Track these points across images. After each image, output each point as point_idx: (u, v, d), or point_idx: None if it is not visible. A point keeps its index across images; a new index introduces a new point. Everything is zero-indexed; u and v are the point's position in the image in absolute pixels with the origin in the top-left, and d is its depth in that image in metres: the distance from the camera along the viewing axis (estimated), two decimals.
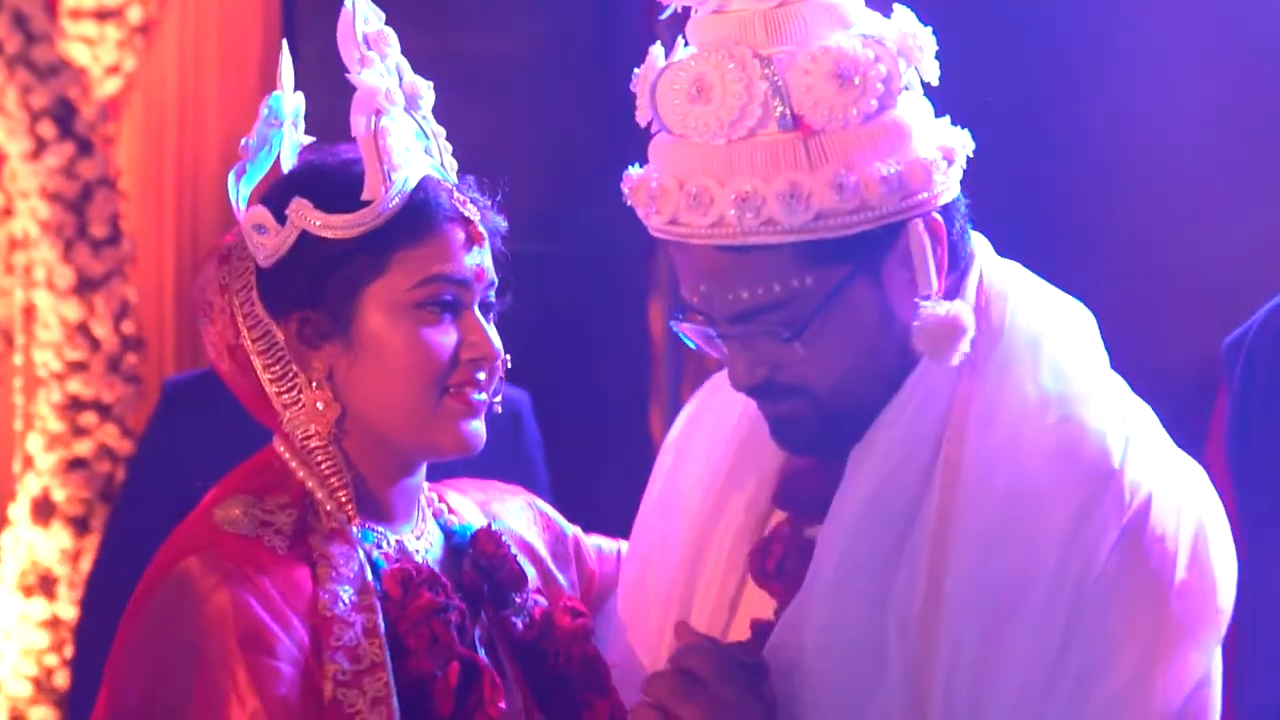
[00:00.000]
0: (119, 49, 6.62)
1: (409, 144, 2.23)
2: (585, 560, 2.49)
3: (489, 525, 2.35)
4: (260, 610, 2.10)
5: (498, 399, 2.29)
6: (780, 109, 2.13)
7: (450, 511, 2.38)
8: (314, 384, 2.22)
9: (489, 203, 2.29)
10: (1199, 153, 4.44)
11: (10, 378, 6.73)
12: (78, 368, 6.36)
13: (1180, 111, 4.46)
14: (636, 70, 2.23)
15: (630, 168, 2.27)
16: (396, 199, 2.19)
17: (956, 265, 2.22)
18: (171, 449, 3.94)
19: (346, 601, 2.15)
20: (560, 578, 2.42)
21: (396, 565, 2.23)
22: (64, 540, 6.30)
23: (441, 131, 2.30)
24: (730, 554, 2.34)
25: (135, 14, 6.64)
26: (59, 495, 6.33)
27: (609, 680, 2.33)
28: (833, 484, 2.22)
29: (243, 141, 2.27)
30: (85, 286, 6.35)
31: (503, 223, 2.29)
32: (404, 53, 2.29)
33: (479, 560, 2.31)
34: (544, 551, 2.43)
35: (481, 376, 2.25)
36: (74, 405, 6.35)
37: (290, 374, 2.22)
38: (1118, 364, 2.27)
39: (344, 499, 2.22)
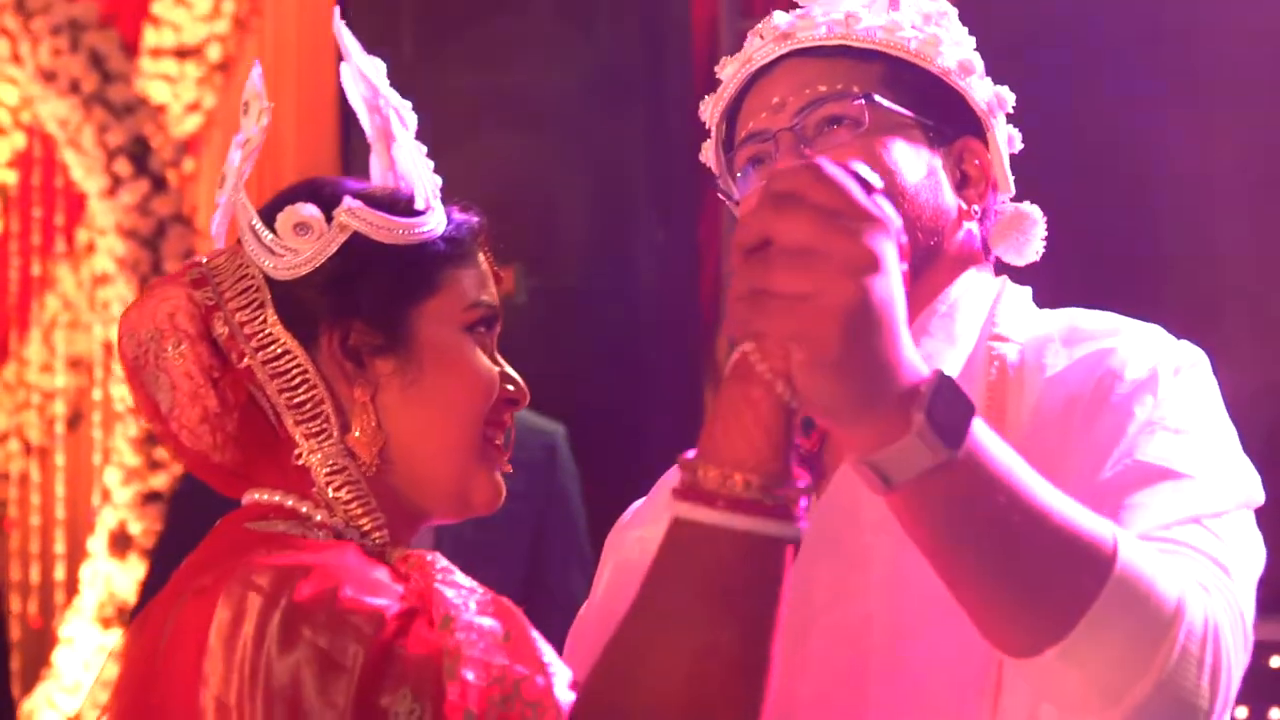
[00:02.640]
0: (199, 86, 6.72)
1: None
2: None
3: None
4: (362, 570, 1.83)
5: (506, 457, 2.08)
6: None
7: None
8: (353, 409, 1.97)
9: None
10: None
11: (90, 412, 6.84)
12: None
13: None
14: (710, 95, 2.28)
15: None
16: (446, 213, 2.05)
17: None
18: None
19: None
20: None
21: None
22: (140, 572, 6.36)
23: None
24: None
25: (214, 52, 6.74)
26: (135, 528, 6.41)
27: None
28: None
29: (246, 140, 2.04)
30: None
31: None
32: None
33: None
34: None
35: (504, 419, 2.06)
36: (150, 439, 6.42)
37: (316, 400, 1.98)
38: None
39: (380, 539, 1.97)
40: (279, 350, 1.98)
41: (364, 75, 2.08)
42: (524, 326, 5.19)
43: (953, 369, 2.09)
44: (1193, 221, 4.61)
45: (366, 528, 1.96)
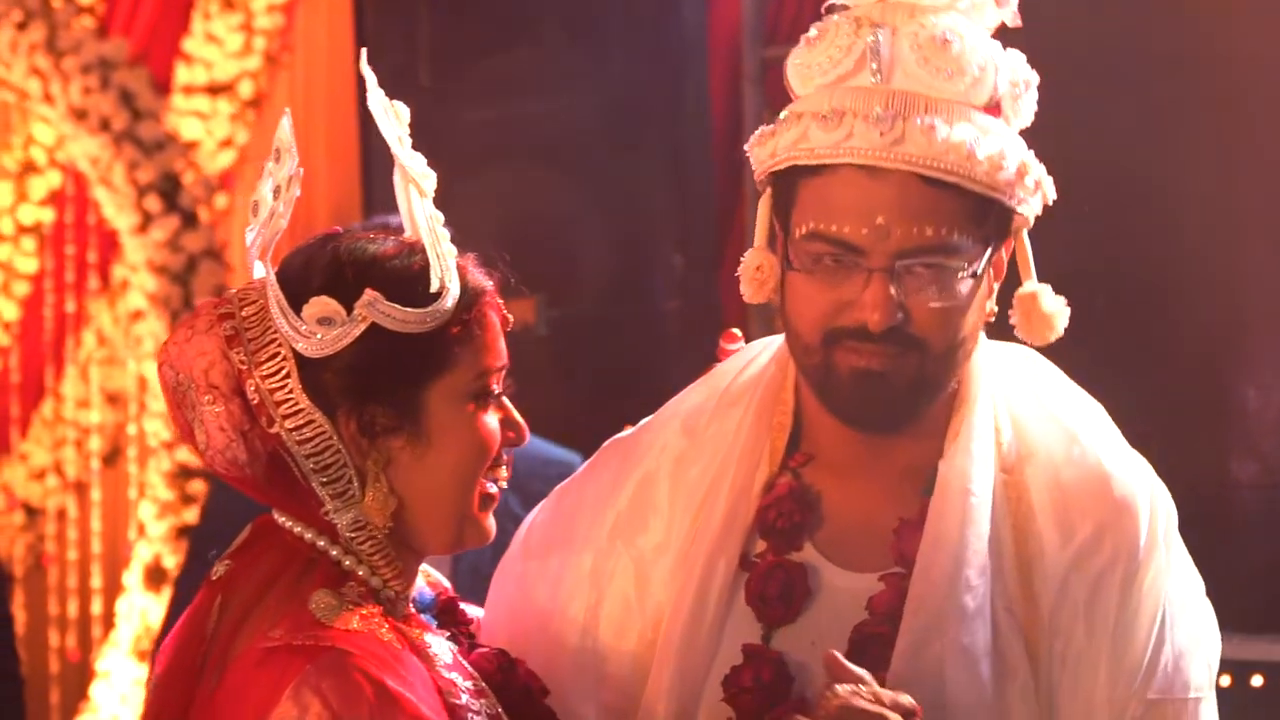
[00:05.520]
0: (231, 123, 6.77)
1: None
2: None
3: (447, 589, 2.32)
4: (418, 702, 2.03)
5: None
6: (993, 85, 2.31)
7: None
8: (371, 477, 2.13)
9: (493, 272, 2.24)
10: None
11: (126, 447, 6.89)
12: None
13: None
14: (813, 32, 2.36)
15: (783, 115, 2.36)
16: (459, 290, 2.14)
17: None
18: (233, 515, 3.98)
19: (464, 688, 2.12)
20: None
21: (487, 649, 2.24)
22: None
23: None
24: (724, 581, 2.39)
25: (246, 88, 6.79)
26: (169, 562, 6.44)
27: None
28: (805, 512, 2.38)
29: (276, 206, 2.16)
30: None
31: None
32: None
33: (447, 625, 2.29)
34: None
35: (503, 462, 2.21)
36: (183, 473, 6.47)
37: (340, 464, 2.11)
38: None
39: (399, 589, 2.16)
40: (305, 419, 2.11)
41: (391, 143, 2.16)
42: (544, 357, 5.22)
43: (984, 491, 2.33)
44: (1215, 242, 4.60)
45: (387, 577, 2.14)
